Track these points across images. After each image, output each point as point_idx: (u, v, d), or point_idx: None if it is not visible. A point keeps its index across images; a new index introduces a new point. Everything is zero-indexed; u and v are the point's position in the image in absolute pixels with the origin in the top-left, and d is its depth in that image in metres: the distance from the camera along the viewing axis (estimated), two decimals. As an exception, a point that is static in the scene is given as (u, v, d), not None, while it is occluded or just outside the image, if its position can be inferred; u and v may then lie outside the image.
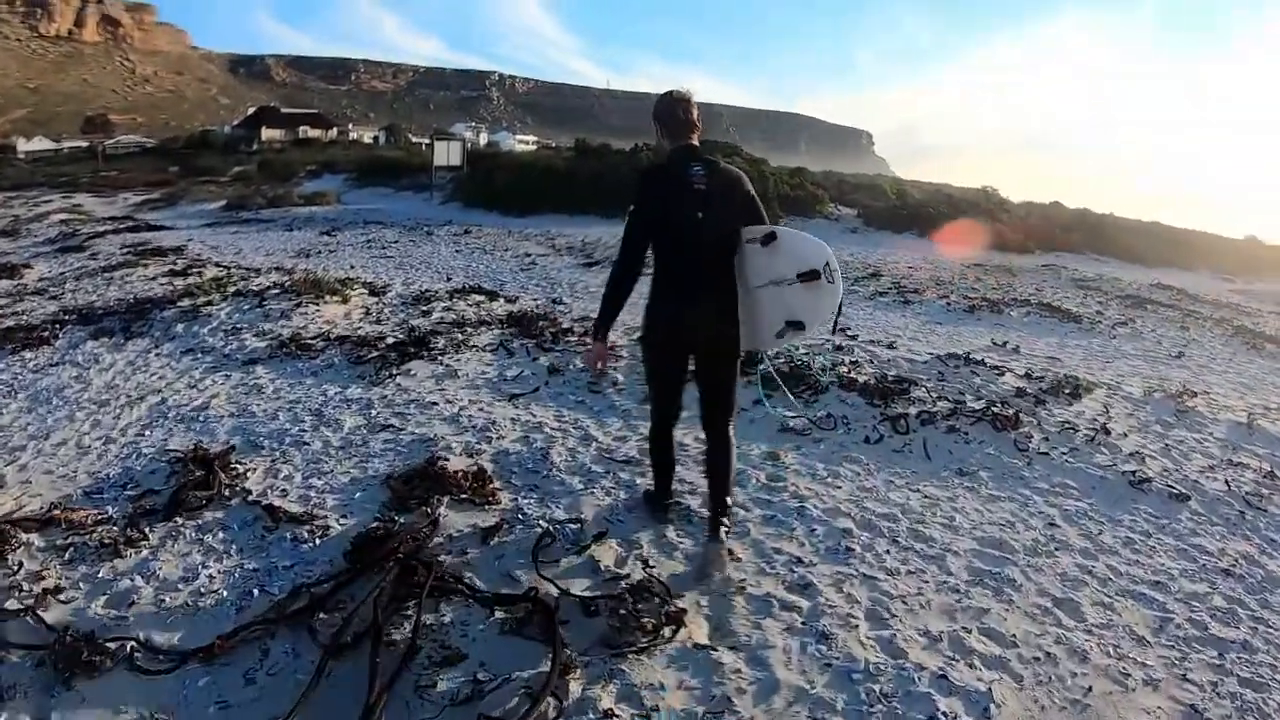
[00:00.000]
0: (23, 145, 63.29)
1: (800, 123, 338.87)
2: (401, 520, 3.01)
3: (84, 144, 60.77)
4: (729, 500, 2.83)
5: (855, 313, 8.50)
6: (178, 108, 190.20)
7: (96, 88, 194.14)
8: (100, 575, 2.74)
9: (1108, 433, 4.36)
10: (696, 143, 2.76)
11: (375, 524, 2.99)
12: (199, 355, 5.87)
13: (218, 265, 9.87)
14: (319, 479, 3.49)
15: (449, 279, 9.36)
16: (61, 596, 2.60)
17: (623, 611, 2.38)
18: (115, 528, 3.04)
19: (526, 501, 3.22)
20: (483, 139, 70.00)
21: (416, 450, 3.77)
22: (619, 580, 2.64)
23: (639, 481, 3.43)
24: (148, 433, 4.40)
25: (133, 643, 2.32)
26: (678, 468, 3.16)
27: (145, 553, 2.89)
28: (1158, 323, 9.24)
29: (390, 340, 5.75)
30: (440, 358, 5.34)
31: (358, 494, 3.32)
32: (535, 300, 7.62)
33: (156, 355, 6.05)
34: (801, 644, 2.40)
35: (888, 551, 3.01)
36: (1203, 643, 2.62)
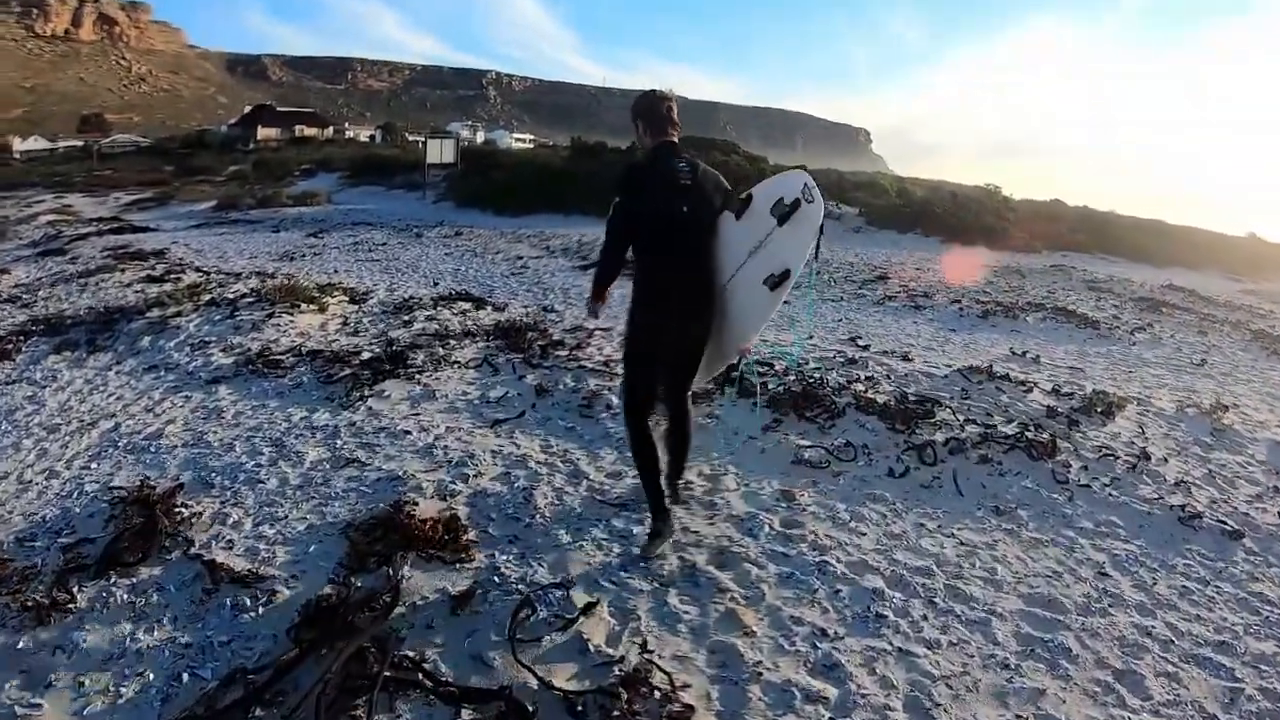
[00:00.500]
0: (18, 145, 62.63)
1: (798, 120, 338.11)
2: (358, 584, 2.59)
3: (79, 143, 60.07)
4: (685, 465, 3.14)
5: (865, 320, 8.09)
6: (174, 107, 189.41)
7: (93, 87, 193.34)
8: (20, 646, 2.41)
9: (1148, 458, 4.03)
10: (676, 140, 2.82)
11: (329, 587, 2.59)
12: (161, 373, 5.46)
13: (197, 270, 9.44)
14: (271, 526, 3.06)
15: (435, 284, 8.92)
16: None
17: (615, 714, 1.97)
18: (42, 585, 2.71)
19: (505, 559, 2.79)
20: (479, 138, 69.55)
21: (383, 490, 3.34)
22: (612, 665, 2.23)
23: (635, 531, 3.02)
24: (94, 465, 4.03)
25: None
26: (676, 509, 3.04)
27: (70, 619, 2.53)
28: (1176, 327, 8.86)
29: (365, 356, 5.31)
30: (418, 376, 4.89)
31: (312, 547, 2.89)
32: (525, 308, 7.19)
33: (117, 373, 5.65)
34: (831, 750, 1.99)
35: (924, 617, 2.61)
36: (1277, 717, 2.32)
